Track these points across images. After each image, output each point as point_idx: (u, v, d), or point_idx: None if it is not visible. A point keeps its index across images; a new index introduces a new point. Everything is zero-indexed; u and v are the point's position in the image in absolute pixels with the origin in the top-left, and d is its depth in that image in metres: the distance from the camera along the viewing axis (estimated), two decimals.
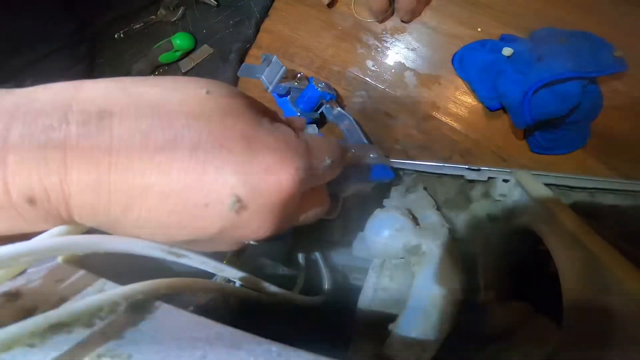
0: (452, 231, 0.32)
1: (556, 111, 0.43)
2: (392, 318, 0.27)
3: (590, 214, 0.33)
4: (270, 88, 0.47)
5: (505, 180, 0.34)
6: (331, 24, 0.56)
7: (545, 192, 0.30)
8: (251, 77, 0.50)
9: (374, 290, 0.30)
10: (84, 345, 0.13)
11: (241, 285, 0.23)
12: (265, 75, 0.48)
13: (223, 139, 0.16)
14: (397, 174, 0.37)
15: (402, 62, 0.53)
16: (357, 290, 0.31)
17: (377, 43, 0.54)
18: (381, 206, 0.35)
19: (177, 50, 0.58)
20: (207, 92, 0.17)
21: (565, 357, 0.22)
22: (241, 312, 0.24)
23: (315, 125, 0.35)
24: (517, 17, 0.50)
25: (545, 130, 0.46)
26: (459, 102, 0.51)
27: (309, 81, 0.49)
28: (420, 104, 0.52)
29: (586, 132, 0.47)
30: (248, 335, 0.14)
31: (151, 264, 0.19)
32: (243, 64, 0.57)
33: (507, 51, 0.47)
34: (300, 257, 0.35)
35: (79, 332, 0.14)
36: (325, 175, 0.21)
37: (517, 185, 0.33)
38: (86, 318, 0.14)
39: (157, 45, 0.58)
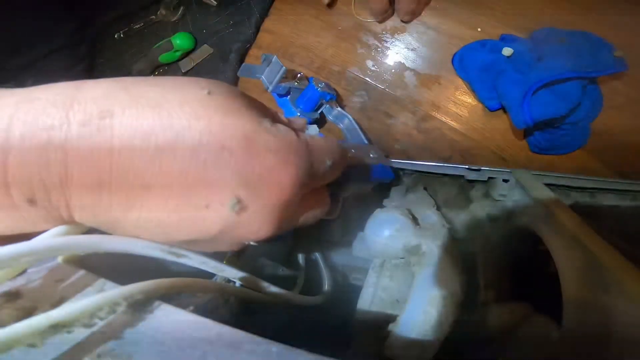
0: (452, 231, 0.32)
1: (556, 111, 0.43)
2: (392, 318, 0.27)
3: (590, 214, 0.33)
4: (270, 88, 0.47)
5: (505, 180, 0.34)
6: (331, 24, 0.56)
7: (545, 192, 0.30)
8: (251, 77, 0.50)
9: (374, 290, 0.30)
10: (84, 345, 0.13)
11: (241, 285, 0.23)
12: (265, 75, 0.48)
13: (224, 139, 0.16)
14: (397, 174, 0.37)
15: (402, 62, 0.53)
16: (357, 290, 0.31)
17: (377, 43, 0.54)
18: (381, 206, 0.35)
19: (177, 50, 0.58)
20: (208, 93, 0.17)
21: (565, 357, 0.22)
22: (241, 312, 0.24)
23: (316, 125, 0.35)
24: (517, 17, 0.50)
25: (545, 130, 0.46)
26: (459, 102, 0.51)
27: (309, 81, 0.49)
28: (420, 104, 0.52)
29: (586, 132, 0.47)
30: (248, 335, 0.14)
31: (151, 264, 0.19)
32: (243, 64, 0.57)
33: (507, 51, 0.47)
34: (300, 257, 0.35)
35: (79, 332, 0.14)
36: (326, 177, 0.21)
37: (517, 185, 0.33)
38: (86, 318, 0.14)
39: (157, 45, 0.58)
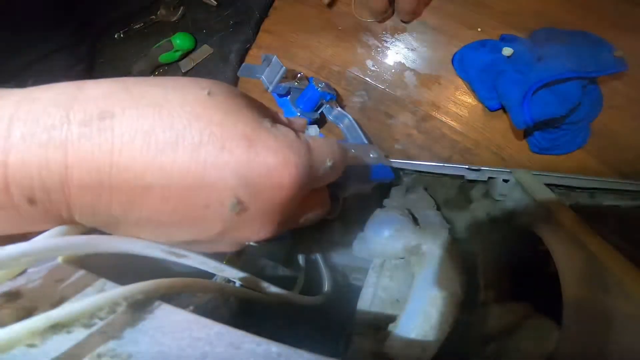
0: (452, 231, 0.32)
1: (556, 111, 0.43)
2: (392, 318, 0.27)
3: (590, 214, 0.33)
4: (271, 88, 0.47)
5: (505, 180, 0.34)
6: (331, 24, 0.56)
7: (545, 192, 0.30)
8: (251, 77, 0.50)
9: (374, 290, 0.30)
10: (84, 345, 0.13)
11: (241, 285, 0.23)
12: (265, 75, 0.48)
13: (224, 139, 0.16)
14: (397, 174, 0.37)
15: (402, 62, 0.53)
16: (357, 290, 0.31)
17: (377, 43, 0.54)
18: (381, 206, 0.35)
19: (177, 50, 0.58)
20: (209, 93, 0.17)
21: (565, 357, 0.22)
22: (241, 312, 0.24)
23: (316, 126, 0.35)
24: (517, 17, 0.50)
25: (545, 130, 0.46)
26: (459, 102, 0.51)
27: (309, 81, 0.49)
28: (420, 104, 0.52)
29: (586, 132, 0.47)
30: (248, 335, 0.14)
31: (151, 264, 0.19)
32: (243, 64, 0.57)
33: (507, 51, 0.47)
34: (300, 257, 0.35)
35: (79, 332, 0.14)
36: (326, 177, 0.21)
37: (517, 185, 0.33)
38: (86, 318, 0.14)
39: (157, 45, 0.58)
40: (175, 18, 0.60)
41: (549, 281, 0.26)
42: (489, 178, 0.35)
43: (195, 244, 0.19)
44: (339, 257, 0.37)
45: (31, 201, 0.15)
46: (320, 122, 0.53)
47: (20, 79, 0.54)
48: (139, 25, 0.61)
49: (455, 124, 0.51)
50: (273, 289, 0.24)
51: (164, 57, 0.58)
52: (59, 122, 0.14)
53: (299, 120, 0.25)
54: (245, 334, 0.14)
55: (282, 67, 0.46)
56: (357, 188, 0.30)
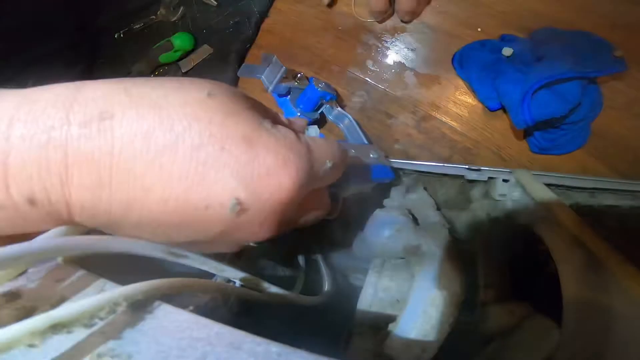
0: (452, 231, 0.32)
1: (556, 111, 0.43)
2: (392, 318, 0.27)
3: (590, 214, 0.33)
4: (271, 88, 0.47)
5: (505, 180, 0.34)
6: (331, 24, 0.56)
7: (545, 192, 0.30)
8: (251, 77, 0.50)
9: (374, 290, 0.30)
10: (84, 345, 0.13)
11: (241, 285, 0.23)
12: (265, 75, 0.48)
13: (224, 141, 0.16)
14: (397, 174, 0.37)
15: (402, 62, 0.53)
16: (357, 290, 0.31)
17: (377, 43, 0.54)
18: (381, 206, 0.35)
19: (177, 50, 0.58)
20: (209, 94, 0.17)
21: (565, 357, 0.22)
22: (241, 312, 0.24)
23: (316, 126, 0.35)
24: (517, 17, 0.50)
25: (545, 130, 0.46)
26: (459, 102, 0.51)
27: (309, 81, 0.49)
28: (420, 104, 0.52)
29: (586, 132, 0.47)
30: (248, 335, 0.14)
31: (151, 264, 0.19)
32: (243, 64, 0.57)
33: (507, 51, 0.47)
34: (300, 257, 0.35)
35: (79, 332, 0.14)
36: (326, 178, 0.21)
37: (517, 185, 0.33)
38: (86, 318, 0.14)
39: (157, 45, 0.58)
40: (175, 18, 0.60)
41: (549, 281, 0.26)
42: (489, 178, 0.35)
43: (195, 245, 0.19)
44: (339, 257, 0.37)
45: (31, 202, 0.15)
46: (321, 122, 0.53)
47: (20, 79, 0.54)
48: (139, 25, 0.61)
49: (455, 124, 0.51)
50: (273, 289, 0.24)
51: (164, 57, 0.58)
52: (58, 123, 0.14)
53: (299, 120, 0.25)
54: (245, 334, 0.14)
55: (282, 67, 0.46)
56: (357, 188, 0.30)
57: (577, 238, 0.24)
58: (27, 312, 0.14)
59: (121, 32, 0.61)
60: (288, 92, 0.51)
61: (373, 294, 0.30)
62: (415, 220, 0.32)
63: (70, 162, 0.14)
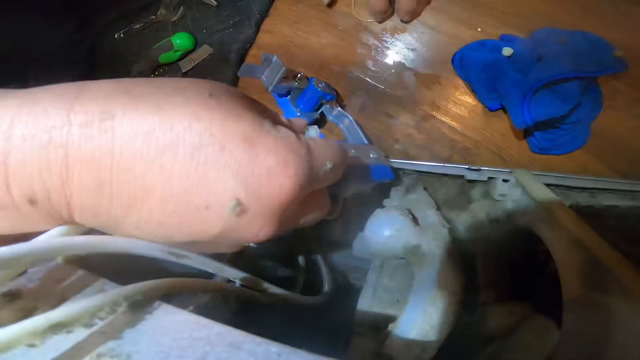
0: (452, 231, 0.32)
1: (556, 111, 0.43)
2: (392, 318, 0.27)
3: (590, 214, 0.33)
4: (271, 88, 0.47)
5: (505, 180, 0.34)
6: (331, 24, 0.56)
7: (545, 192, 0.30)
8: (251, 77, 0.50)
9: (374, 290, 0.30)
10: (84, 345, 0.13)
11: (241, 285, 0.23)
12: (265, 75, 0.48)
13: (224, 141, 0.16)
14: (397, 174, 0.37)
15: (402, 62, 0.53)
16: (357, 290, 0.31)
17: (377, 43, 0.54)
18: (381, 206, 0.35)
19: (177, 50, 0.58)
20: (210, 94, 0.17)
21: (565, 357, 0.22)
22: (241, 312, 0.24)
23: (316, 126, 0.34)
24: (517, 17, 0.50)
25: (545, 130, 0.46)
26: (459, 102, 0.51)
27: (309, 81, 0.49)
28: (420, 104, 0.52)
29: (586, 132, 0.47)
30: (248, 335, 0.14)
31: (151, 264, 0.19)
32: (243, 63, 0.57)
33: (507, 51, 0.47)
34: (300, 257, 0.35)
35: (79, 332, 0.14)
36: (326, 179, 0.21)
37: (517, 185, 0.33)
38: (86, 318, 0.14)
39: (157, 45, 0.58)
40: (175, 18, 0.60)
41: (549, 281, 0.26)
42: (489, 178, 0.35)
43: (194, 245, 0.19)
44: (339, 257, 0.37)
45: (32, 201, 0.15)
46: (321, 122, 0.53)
47: (20, 79, 0.54)
48: (139, 25, 0.61)
49: (455, 124, 0.51)
50: (273, 288, 0.24)
51: (164, 57, 0.58)
52: (59, 123, 0.14)
53: (299, 121, 0.25)
54: (245, 334, 0.14)
55: (282, 67, 0.46)
56: (357, 188, 0.30)
57: (577, 238, 0.24)
58: (27, 312, 0.14)
59: (121, 32, 0.61)
60: (288, 92, 0.51)
61: (373, 294, 0.30)
62: (415, 220, 0.32)
63: (71, 162, 0.14)
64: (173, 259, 0.18)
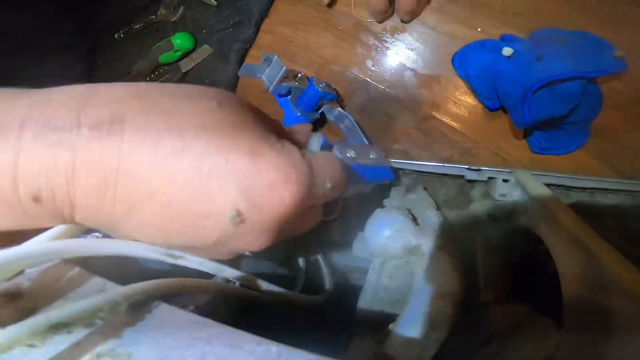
0: (452, 231, 0.32)
1: (556, 111, 0.43)
2: (392, 318, 0.27)
3: (590, 214, 0.33)
4: (271, 88, 0.47)
5: (505, 180, 0.34)
6: (331, 24, 0.56)
7: (545, 192, 0.30)
8: (252, 76, 0.50)
9: (374, 290, 0.30)
10: (84, 345, 0.13)
11: (241, 285, 0.23)
12: (266, 75, 0.48)
13: (230, 152, 0.16)
14: (397, 174, 0.37)
15: (402, 62, 0.53)
16: (357, 290, 0.31)
17: (377, 43, 0.54)
18: (381, 206, 0.35)
19: (177, 50, 0.58)
20: (219, 104, 0.17)
21: (565, 357, 0.22)
22: (241, 312, 0.24)
23: (321, 134, 0.33)
24: (517, 17, 0.50)
25: (545, 130, 0.46)
26: (459, 102, 0.51)
27: (309, 81, 0.49)
28: (420, 104, 0.52)
29: (586, 132, 0.47)
30: (248, 335, 0.14)
31: (152, 264, 0.19)
32: (244, 63, 0.57)
33: (507, 51, 0.47)
34: (300, 257, 0.35)
35: (79, 332, 0.14)
36: (324, 197, 0.21)
37: (517, 185, 0.33)
38: (86, 318, 0.14)
39: (157, 45, 0.58)
40: (175, 18, 0.60)
41: (549, 281, 0.26)
42: (489, 178, 0.35)
43: (191, 249, 0.19)
44: (339, 257, 0.37)
45: (36, 200, 0.15)
46: (321, 122, 0.53)
47: (20, 79, 0.54)
48: (139, 25, 0.61)
49: (455, 124, 0.51)
50: (273, 288, 0.24)
51: (164, 57, 0.58)
52: (69, 124, 0.15)
53: (303, 128, 0.25)
54: (245, 334, 0.14)
55: (282, 67, 0.46)
56: (356, 189, 0.30)
57: (577, 238, 0.24)
58: (27, 312, 0.14)
59: (121, 32, 0.61)
60: (288, 92, 0.50)
61: (373, 294, 0.30)
62: (415, 220, 0.32)
63: (78, 163, 0.15)
64: (170, 260, 0.18)
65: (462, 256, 0.31)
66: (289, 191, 0.17)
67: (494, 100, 0.48)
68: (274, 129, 0.20)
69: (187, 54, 0.59)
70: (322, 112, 0.50)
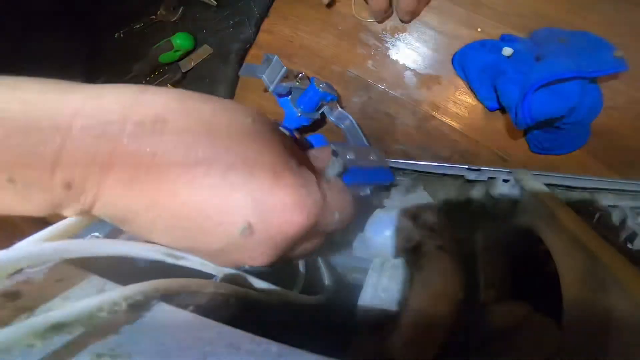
0: (452, 231, 0.32)
1: (556, 111, 0.43)
2: (392, 318, 0.27)
3: (590, 214, 0.33)
4: (271, 88, 0.47)
5: (505, 180, 0.34)
6: (331, 24, 0.56)
7: (545, 192, 0.30)
8: (252, 76, 0.50)
9: (374, 290, 0.30)
10: (84, 345, 0.13)
11: (240, 285, 0.23)
12: (266, 75, 0.48)
13: (254, 168, 0.17)
14: (397, 174, 0.37)
15: (402, 62, 0.53)
16: (357, 290, 0.31)
17: (377, 43, 0.54)
18: (381, 206, 0.35)
19: (177, 50, 0.58)
20: (253, 121, 0.18)
21: (566, 357, 0.22)
22: (241, 312, 0.24)
23: (332, 145, 0.31)
24: (517, 17, 0.50)
25: (545, 130, 0.46)
26: (459, 102, 0.51)
27: (310, 81, 0.49)
28: (420, 104, 0.52)
29: (586, 132, 0.47)
30: (248, 335, 0.14)
31: (152, 264, 0.19)
32: (244, 63, 0.57)
33: (507, 51, 0.47)
34: None
35: (79, 332, 0.14)
36: (330, 226, 0.22)
37: (517, 185, 0.33)
38: (86, 318, 0.14)
39: (157, 45, 0.58)
40: (175, 18, 0.60)
41: (549, 281, 0.26)
42: (489, 178, 0.35)
43: (193, 252, 0.20)
44: (339, 257, 0.37)
45: (68, 187, 0.15)
46: (321, 122, 0.53)
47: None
48: (139, 25, 0.61)
49: (455, 124, 0.51)
50: (273, 288, 0.24)
51: (164, 57, 0.58)
52: (116, 119, 0.15)
53: (324, 153, 0.25)
54: (245, 334, 0.14)
55: (283, 67, 0.46)
56: (356, 190, 0.30)
57: (577, 238, 0.24)
58: (27, 312, 0.14)
59: (121, 32, 0.61)
60: (289, 92, 0.50)
61: (373, 294, 0.30)
62: (415, 220, 0.32)
63: (116, 154, 0.15)
64: (172, 260, 0.18)
65: (462, 256, 0.31)
66: (299, 216, 0.18)
67: (494, 101, 0.48)
68: (295, 154, 0.21)
69: (187, 54, 0.59)
70: (323, 112, 0.50)
